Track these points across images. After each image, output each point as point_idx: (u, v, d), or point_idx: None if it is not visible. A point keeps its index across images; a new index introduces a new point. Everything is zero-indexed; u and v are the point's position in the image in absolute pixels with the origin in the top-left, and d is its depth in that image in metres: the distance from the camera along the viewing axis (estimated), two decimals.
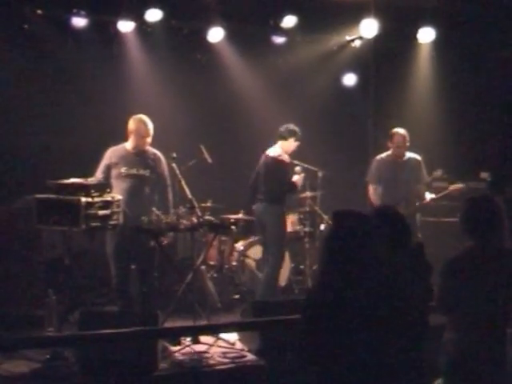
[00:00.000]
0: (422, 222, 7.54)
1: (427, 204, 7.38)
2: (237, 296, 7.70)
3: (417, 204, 7.32)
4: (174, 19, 7.90)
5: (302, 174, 7.25)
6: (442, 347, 3.84)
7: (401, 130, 7.30)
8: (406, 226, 3.48)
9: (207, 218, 6.53)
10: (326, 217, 8.16)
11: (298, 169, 7.23)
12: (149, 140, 6.36)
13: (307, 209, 8.27)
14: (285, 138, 7.15)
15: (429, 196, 7.35)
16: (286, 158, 7.14)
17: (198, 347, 5.72)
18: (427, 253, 3.41)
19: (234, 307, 6.99)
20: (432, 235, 7.28)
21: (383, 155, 7.41)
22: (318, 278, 3.35)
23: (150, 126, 6.33)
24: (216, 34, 8.14)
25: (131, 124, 6.34)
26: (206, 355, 5.57)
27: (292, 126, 7.19)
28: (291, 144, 7.19)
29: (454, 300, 3.76)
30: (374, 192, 7.36)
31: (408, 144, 7.29)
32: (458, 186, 7.27)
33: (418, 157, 7.37)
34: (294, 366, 4.84)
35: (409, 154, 7.36)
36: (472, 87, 8.54)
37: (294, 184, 7.12)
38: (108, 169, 6.28)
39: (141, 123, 6.32)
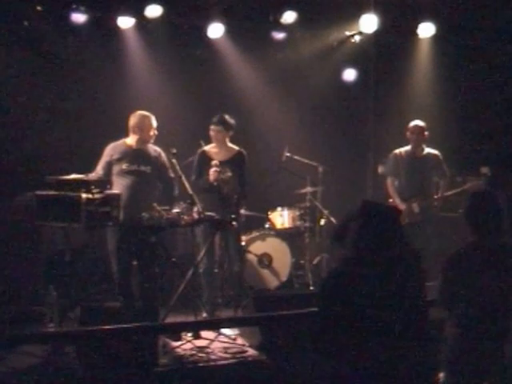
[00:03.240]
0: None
1: (444, 198, 7.40)
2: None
3: (435, 197, 7.35)
4: (173, 15, 7.89)
5: (214, 168, 6.59)
6: (444, 342, 3.85)
7: (415, 122, 7.30)
8: (396, 220, 3.49)
9: (208, 213, 6.53)
10: (326, 212, 8.16)
11: (214, 162, 6.67)
12: (153, 133, 6.33)
13: (307, 204, 8.26)
14: None
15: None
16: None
17: (199, 342, 5.73)
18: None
19: (235, 302, 6.98)
20: (435, 230, 7.26)
21: (402, 149, 7.41)
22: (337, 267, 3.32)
23: (154, 120, 6.33)
24: (216, 30, 8.12)
25: (133, 120, 6.30)
26: (207, 350, 5.58)
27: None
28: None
29: (455, 295, 3.77)
30: (391, 185, 7.42)
31: (424, 137, 7.27)
32: (476, 182, 7.29)
33: (436, 152, 7.37)
34: (295, 361, 4.86)
35: (427, 149, 7.36)
36: (472, 82, 8.53)
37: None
38: (109, 165, 6.27)
39: (145, 118, 6.29)
